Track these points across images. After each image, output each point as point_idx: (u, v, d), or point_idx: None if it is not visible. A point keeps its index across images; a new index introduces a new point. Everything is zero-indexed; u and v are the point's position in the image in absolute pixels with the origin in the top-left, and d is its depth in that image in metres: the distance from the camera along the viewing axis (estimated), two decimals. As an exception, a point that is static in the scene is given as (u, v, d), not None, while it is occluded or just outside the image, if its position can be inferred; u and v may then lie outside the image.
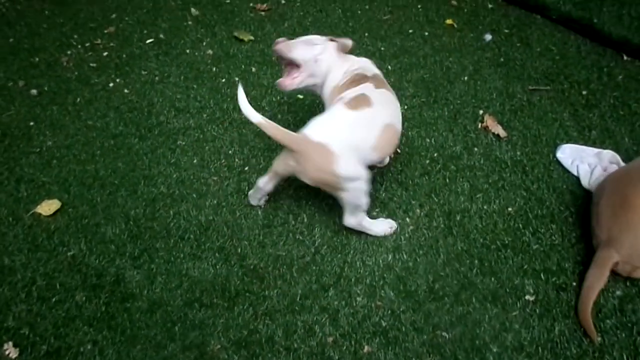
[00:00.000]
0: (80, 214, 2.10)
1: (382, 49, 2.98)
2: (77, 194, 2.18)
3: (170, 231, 2.03)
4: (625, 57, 2.89)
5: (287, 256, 1.94)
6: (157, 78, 2.80)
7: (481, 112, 2.55)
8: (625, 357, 1.66)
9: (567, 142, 2.38)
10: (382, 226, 2.01)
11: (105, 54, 3.00)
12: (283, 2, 3.41)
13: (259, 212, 2.09)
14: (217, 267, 1.91)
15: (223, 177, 2.24)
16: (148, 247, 1.98)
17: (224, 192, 2.18)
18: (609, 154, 2.28)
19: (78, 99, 2.67)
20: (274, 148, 2.35)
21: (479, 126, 2.47)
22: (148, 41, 3.08)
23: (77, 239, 2.01)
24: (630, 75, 2.76)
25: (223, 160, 2.32)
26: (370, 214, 2.07)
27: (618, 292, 1.81)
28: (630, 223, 1.78)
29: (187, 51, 3.00)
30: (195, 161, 2.32)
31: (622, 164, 2.25)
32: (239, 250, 1.96)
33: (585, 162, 2.26)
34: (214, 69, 2.87)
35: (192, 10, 3.32)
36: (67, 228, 2.05)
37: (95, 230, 2.04)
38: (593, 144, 2.37)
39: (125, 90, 2.72)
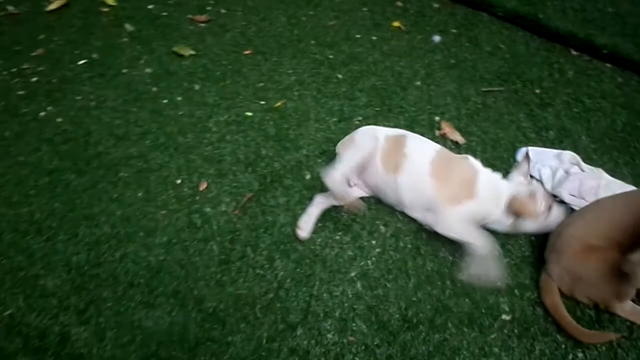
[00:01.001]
0: (16, 265, 1.90)
1: (331, 57, 2.87)
2: (11, 242, 1.97)
3: (118, 277, 1.86)
4: (573, 52, 2.88)
5: (248, 295, 1.81)
6: (92, 103, 2.59)
7: (437, 118, 2.47)
8: (607, 372, 1.62)
9: (526, 145, 2.33)
10: None
11: (34, 79, 2.76)
12: (223, 11, 3.24)
13: (214, 247, 1.94)
14: (173, 314, 1.75)
15: (172, 211, 2.08)
16: (94, 298, 1.80)
17: (174, 228, 2.01)
18: (568, 155, 2.25)
19: (6, 133, 2.44)
20: (224, 173, 2.21)
21: (437, 134, 2.40)
22: (80, 62, 2.86)
23: (14, 295, 1.81)
24: (580, 70, 2.75)
25: (171, 192, 2.15)
26: (333, 237, 1.97)
27: (594, 303, 1.76)
28: (560, 258, 1.78)
29: (124, 71, 2.80)
30: (140, 194, 2.14)
31: (583, 164, 2.21)
32: (195, 292, 1.81)
33: (546, 165, 2.22)
34: (154, 89, 2.68)
35: (127, 25, 3.11)
36: (2, 283, 1.85)
37: (34, 283, 1.85)
38: (552, 145, 2.34)
39: (59, 119, 2.50)
